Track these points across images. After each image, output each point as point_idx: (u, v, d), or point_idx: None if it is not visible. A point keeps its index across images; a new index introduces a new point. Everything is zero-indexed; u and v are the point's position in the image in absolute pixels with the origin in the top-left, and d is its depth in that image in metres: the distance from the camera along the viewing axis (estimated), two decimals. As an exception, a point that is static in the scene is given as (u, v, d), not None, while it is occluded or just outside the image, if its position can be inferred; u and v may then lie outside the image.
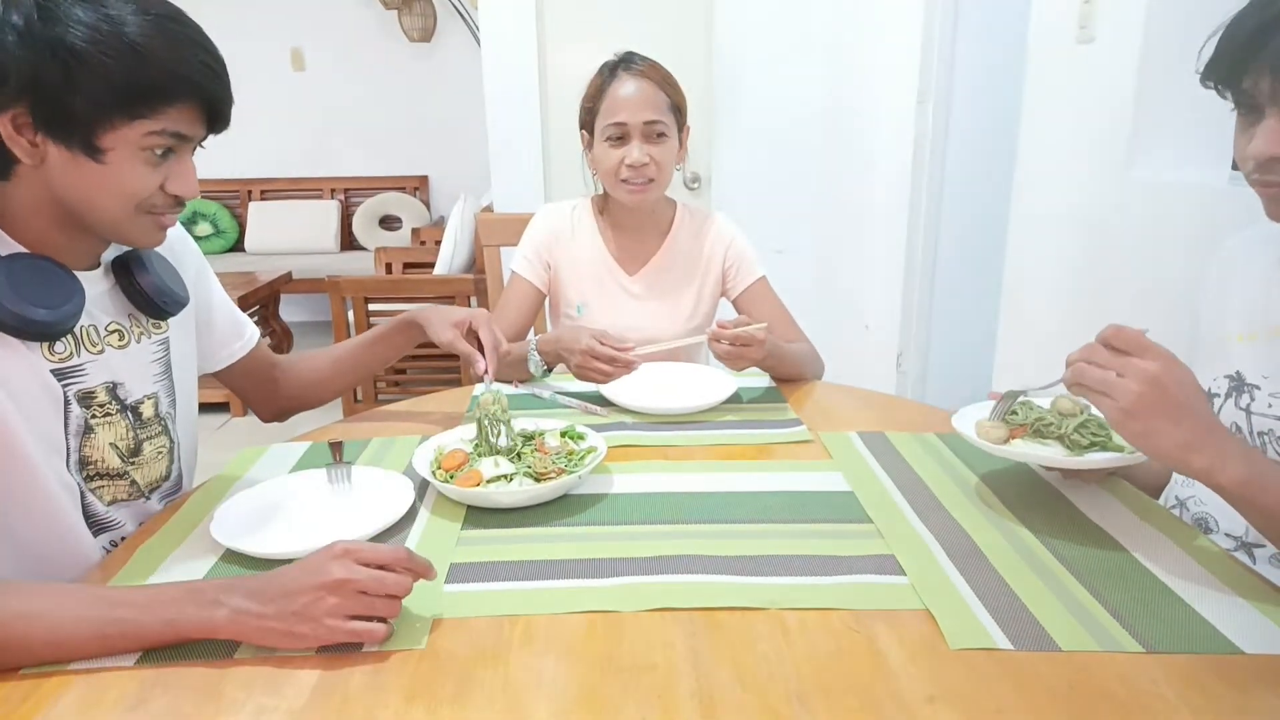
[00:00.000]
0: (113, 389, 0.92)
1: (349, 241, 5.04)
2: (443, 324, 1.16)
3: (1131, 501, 0.94)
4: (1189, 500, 0.95)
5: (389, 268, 3.58)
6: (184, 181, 0.86)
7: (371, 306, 3.16)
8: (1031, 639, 0.69)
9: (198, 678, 0.66)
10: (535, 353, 1.36)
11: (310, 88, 4.94)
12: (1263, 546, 0.88)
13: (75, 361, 0.88)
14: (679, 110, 1.45)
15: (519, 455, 0.99)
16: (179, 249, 1.06)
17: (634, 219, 1.54)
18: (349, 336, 2.40)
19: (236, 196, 5.08)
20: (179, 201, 0.88)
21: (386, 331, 1.23)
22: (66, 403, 0.87)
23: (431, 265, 3.45)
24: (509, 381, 1.39)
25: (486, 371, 1.13)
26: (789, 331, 1.48)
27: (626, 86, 1.41)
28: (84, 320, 0.89)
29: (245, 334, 1.17)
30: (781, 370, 1.39)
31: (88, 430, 0.89)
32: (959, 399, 1.07)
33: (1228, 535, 0.91)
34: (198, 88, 0.82)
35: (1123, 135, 1.65)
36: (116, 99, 0.78)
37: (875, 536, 0.87)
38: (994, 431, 0.93)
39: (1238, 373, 0.91)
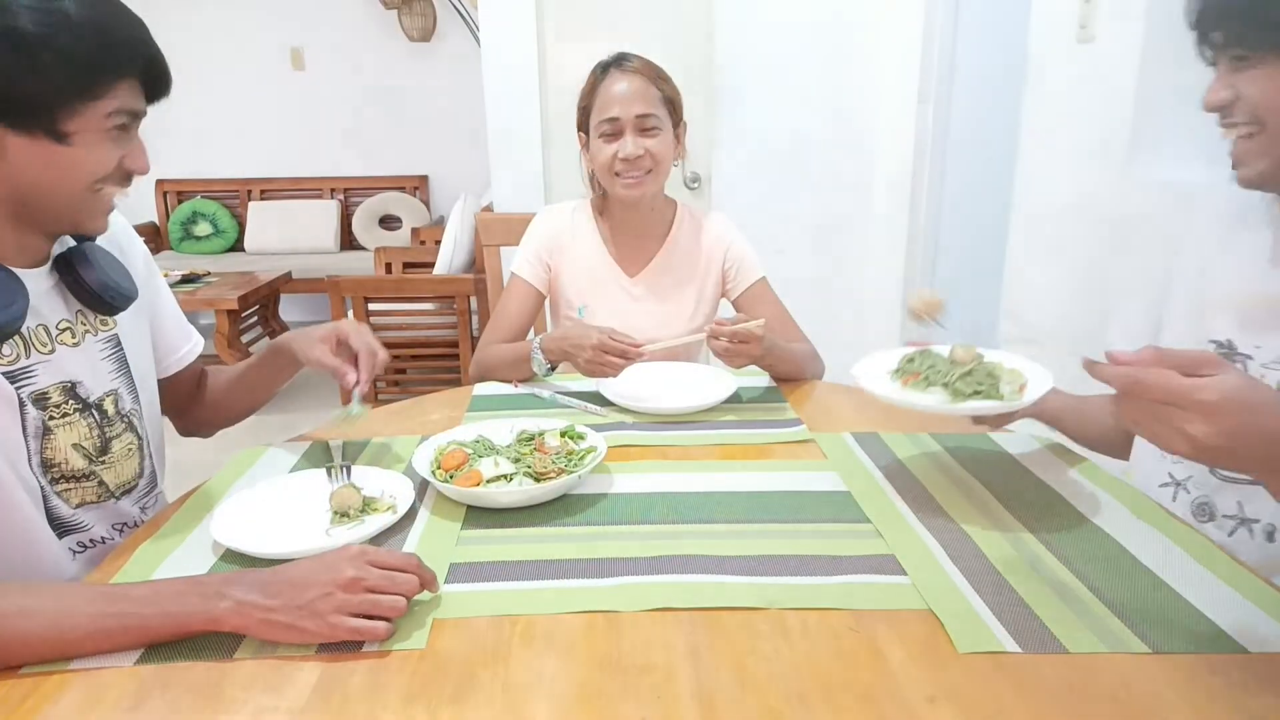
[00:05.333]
0: (70, 389, 0.90)
1: (349, 241, 5.04)
2: (308, 343, 1.08)
3: (1129, 500, 0.94)
4: (1187, 481, 0.95)
5: (389, 268, 3.57)
6: (138, 157, 0.87)
7: (371, 306, 3.16)
8: (1038, 641, 0.69)
9: (197, 677, 0.66)
10: (539, 351, 1.36)
11: (310, 87, 4.94)
12: (1257, 521, 0.88)
13: (24, 364, 0.86)
14: (673, 105, 1.46)
15: (518, 456, 0.99)
16: (125, 246, 1.04)
17: (634, 220, 1.54)
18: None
19: (236, 196, 5.07)
20: (128, 179, 0.88)
21: (260, 359, 1.16)
22: (21, 404, 0.85)
23: (431, 265, 3.45)
24: (509, 381, 1.38)
25: (358, 383, 1.04)
26: (789, 332, 1.48)
27: (618, 84, 1.42)
28: (33, 320, 0.87)
29: (191, 339, 1.15)
30: (781, 369, 1.39)
31: (46, 432, 0.88)
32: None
33: (1225, 517, 0.91)
34: (139, 60, 0.83)
35: (1123, 134, 1.65)
36: (72, 80, 0.78)
37: (874, 536, 0.87)
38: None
39: (1229, 341, 0.91)
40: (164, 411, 1.13)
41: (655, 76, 1.44)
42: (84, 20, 0.78)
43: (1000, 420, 1.02)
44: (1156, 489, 0.99)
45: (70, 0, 0.78)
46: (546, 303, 1.61)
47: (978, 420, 1.02)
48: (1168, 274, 1.02)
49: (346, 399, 1.07)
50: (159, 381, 1.12)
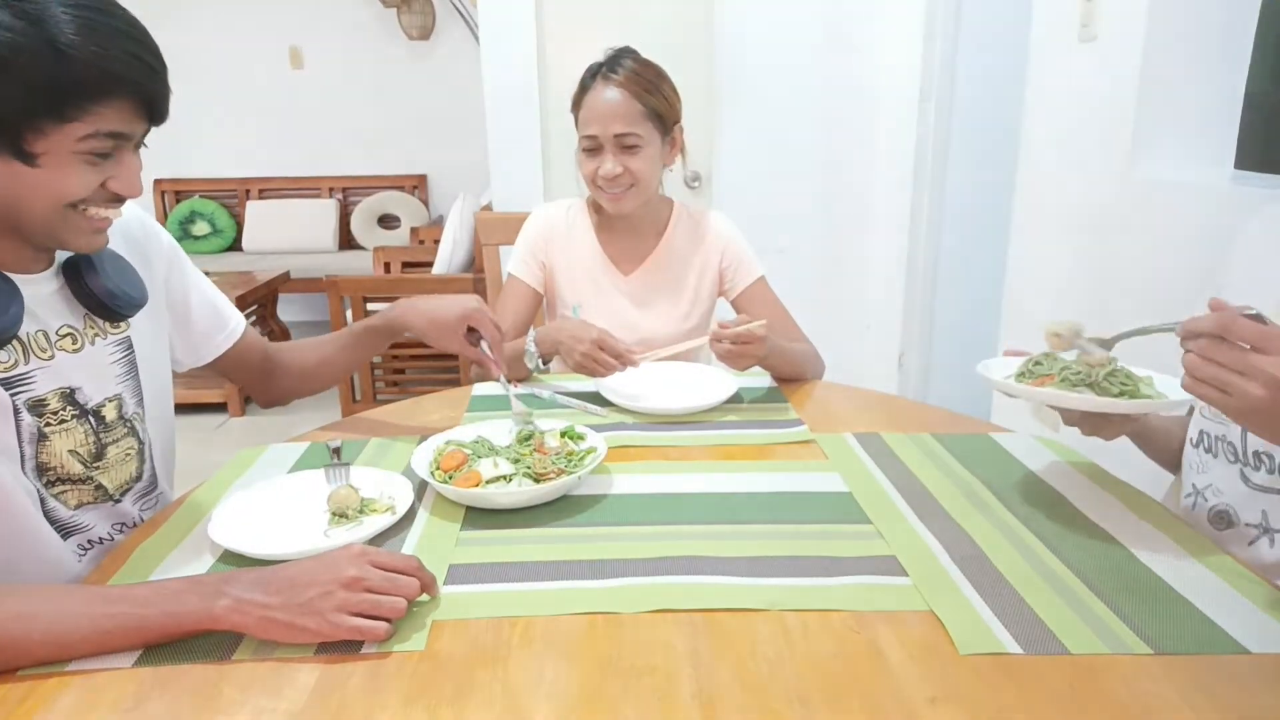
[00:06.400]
0: (69, 395, 0.89)
1: (347, 241, 5.03)
2: (441, 331, 1.15)
3: (1131, 501, 0.93)
4: (1206, 490, 0.95)
5: (387, 267, 3.57)
6: (126, 181, 0.83)
7: (370, 306, 3.15)
8: (1040, 643, 0.68)
9: (196, 679, 0.66)
10: (533, 344, 1.35)
11: (309, 86, 4.93)
12: None
13: (20, 370, 0.85)
14: (660, 116, 1.42)
15: (518, 456, 0.99)
16: (146, 244, 1.02)
17: (628, 220, 1.53)
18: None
19: (234, 195, 5.07)
20: (117, 199, 0.84)
21: (367, 333, 1.21)
22: (16, 411, 0.84)
23: (430, 264, 3.44)
24: (508, 380, 1.38)
25: (501, 375, 1.15)
26: (789, 331, 1.47)
27: (601, 96, 1.40)
28: (32, 326, 0.86)
29: (230, 325, 1.14)
30: (782, 369, 1.38)
31: (42, 438, 0.87)
32: (961, 398, 1.07)
33: (1248, 525, 0.90)
34: (128, 83, 0.78)
35: (1125, 134, 1.65)
36: (41, 101, 0.74)
37: (875, 538, 0.86)
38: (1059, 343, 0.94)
39: None
40: (239, 386, 1.19)
41: (642, 88, 1.40)
42: (61, 41, 0.73)
43: (1121, 426, 0.98)
44: (1183, 499, 0.99)
45: (54, 19, 0.73)
46: (544, 302, 1.61)
47: (1093, 429, 0.97)
48: (1213, 275, 1.01)
49: (348, 398, 1.08)
50: (205, 366, 1.13)
